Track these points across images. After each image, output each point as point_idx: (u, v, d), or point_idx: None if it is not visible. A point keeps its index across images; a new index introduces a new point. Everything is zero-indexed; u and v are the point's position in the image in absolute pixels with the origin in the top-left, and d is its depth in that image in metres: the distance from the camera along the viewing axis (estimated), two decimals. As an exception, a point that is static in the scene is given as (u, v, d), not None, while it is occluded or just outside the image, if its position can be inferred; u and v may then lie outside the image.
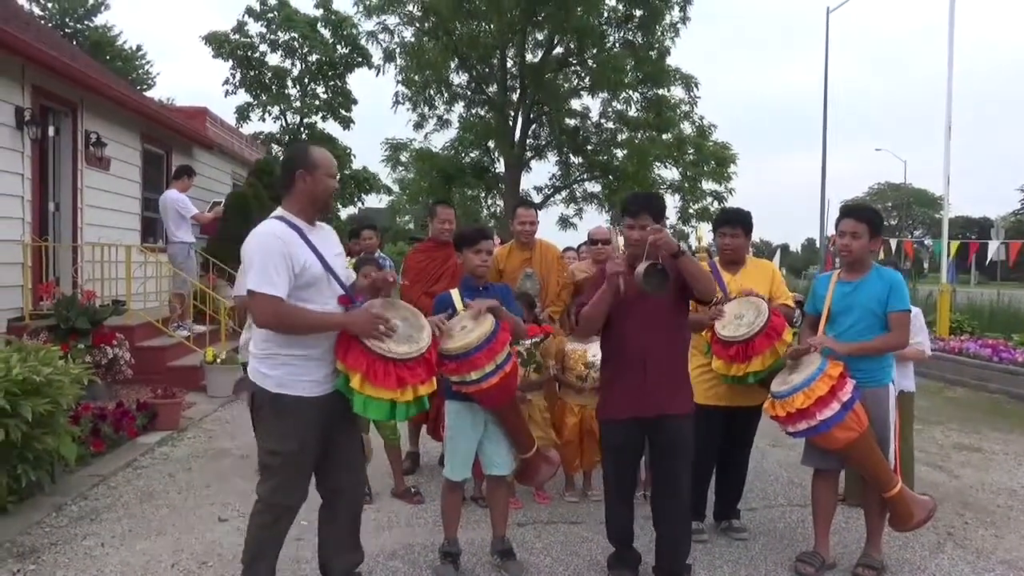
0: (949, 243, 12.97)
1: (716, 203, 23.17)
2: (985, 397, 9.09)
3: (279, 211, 3.01)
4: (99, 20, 33.34)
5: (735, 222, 4.17)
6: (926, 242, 17.29)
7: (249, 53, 22.28)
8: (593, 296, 3.48)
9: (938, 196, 16.42)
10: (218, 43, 21.79)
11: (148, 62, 35.86)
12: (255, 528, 3.07)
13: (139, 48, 35.36)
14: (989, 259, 14.78)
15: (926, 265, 28.02)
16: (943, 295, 11.97)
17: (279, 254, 2.83)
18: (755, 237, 4.62)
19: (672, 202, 23.59)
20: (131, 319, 8.36)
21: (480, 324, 3.39)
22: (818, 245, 28.52)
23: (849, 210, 3.81)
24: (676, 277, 3.32)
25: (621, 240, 3.34)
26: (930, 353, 5.38)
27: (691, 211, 23.49)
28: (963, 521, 4.61)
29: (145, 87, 32.26)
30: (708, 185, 23.27)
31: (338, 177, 3.03)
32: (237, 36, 22.08)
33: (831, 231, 26.92)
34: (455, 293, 3.71)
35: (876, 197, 70.02)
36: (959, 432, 7.19)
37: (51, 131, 9.19)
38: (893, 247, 17.40)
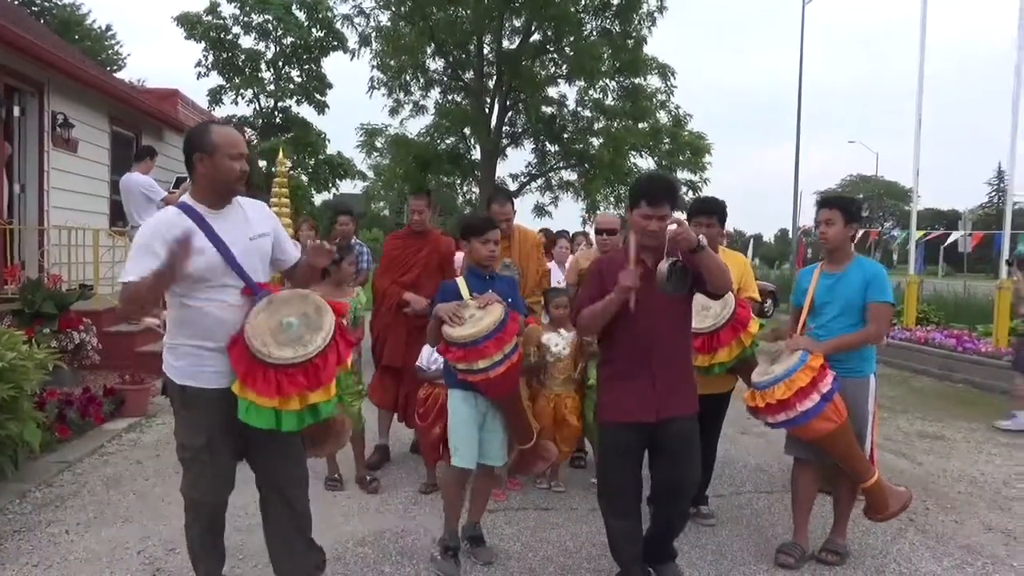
0: (914, 234, 13.15)
1: (691, 193, 23.28)
2: (949, 387, 9.28)
3: (184, 196, 2.84)
4: (67, -1, 32.60)
5: (710, 211, 4.14)
6: (894, 233, 17.52)
7: (222, 35, 21.92)
8: (592, 291, 3.29)
9: (908, 188, 16.67)
10: (190, 24, 21.41)
11: (118, 42, 35.17)
12: (185, 527, 3.01)
13: (108, 28, 34.66)
14: (947, 245, 15.05)
15: (895, 257, 28.48)
16: (911, 286, 12.17)
17: (154, 241, 2.62)
18: (728, 227, 4.66)
19: (648, 191, 23.62)
20: (99, 304, 8.24)
21: (489, 312, 3.36)
22: (791, 236, 28.83)
23: (822, 200, 3.90)
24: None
25: (633, 248, 3.11)
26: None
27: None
28: (924, 507, 4.71)
29: (115, 68, 31.62)
30: (683, 175, 23.35)
31: (247, 157, 2.77)
32: (210, 17, 21.69)
33: (804, 222, 27.20)
34: (461, 282, 3.66)
35: (848, 189, 70.82)
36: (923, 420, 7.33)
37: (16, 111, 8.99)
38: (859, 238, 17.63)
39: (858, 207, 3.93)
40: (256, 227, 2.84)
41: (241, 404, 2.62)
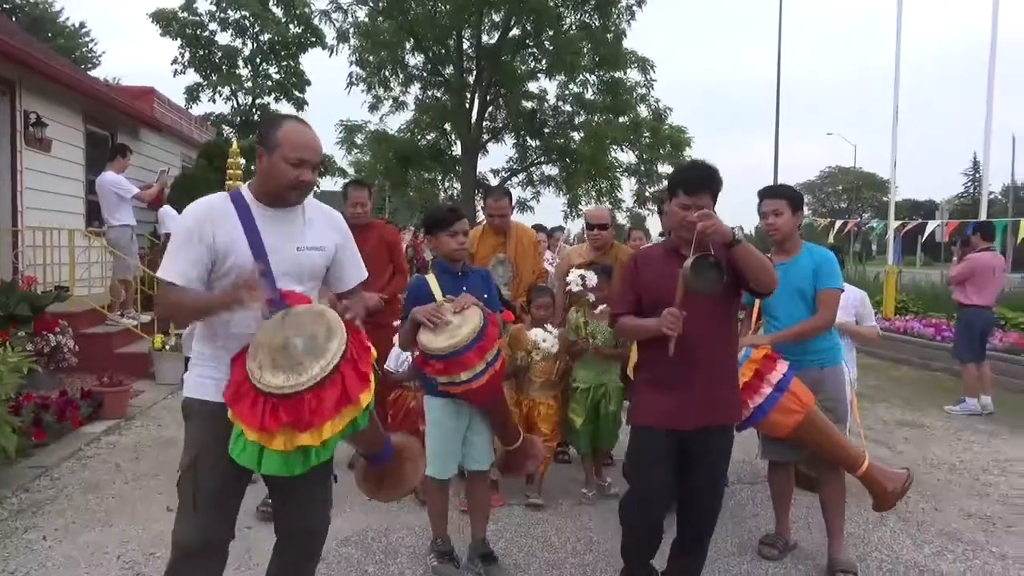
0: (892, 224, 13.30)
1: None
2: (928, 375, 9.38)
3: (243, 186, 2.52)
4: (39, -4, 32.11)
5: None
6: (873, 223, 17.71)
7: (198, 32, 21.71)
8: (626, 292, 3.11)
9: (886, 180, 16.82)
10: (166, 21, 21.19)
11: (92, 40, 34.76)
12: None
13: (82, 25, 34.25)
14: (926, 237, 15.21)
15: (874, 248, 28.75)
16: (889, 276, 12.30)
17: (190, 232, 2.36)
18: None
19: (629, 185, 23.75)
20: (75, 305, 8.13)
21: (467, 320, 3.14)
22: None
23: (766, 191, 3.75)
24: (729, 269, 2.83)
25: (654, 232, 2.96)
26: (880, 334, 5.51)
27: (648, 194, 23.65)
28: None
29: (90, 66, 31.22)
30: (664, 168, 23.40)
31: (315, 167, 2.43)
32: (185, 14, 21.49)
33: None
34: (432, 280, 3.41)
35: (827, 180, 71.41)
36: (902, 409, 7.41)
37: (-13, 111, 8.83)
38: (836, 228, 17.77)
39: (801, 196, 3.79)
40: (311, 238, 2.50)
41: (234, 430, 2.20)
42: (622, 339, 4.15)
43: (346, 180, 24.98)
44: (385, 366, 4.24)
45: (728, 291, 2.89)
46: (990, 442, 6.22)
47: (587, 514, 4.33)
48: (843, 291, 3.70)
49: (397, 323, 3.99)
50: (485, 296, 3.40)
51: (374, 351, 2.31)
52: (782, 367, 3.34)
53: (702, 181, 2.91)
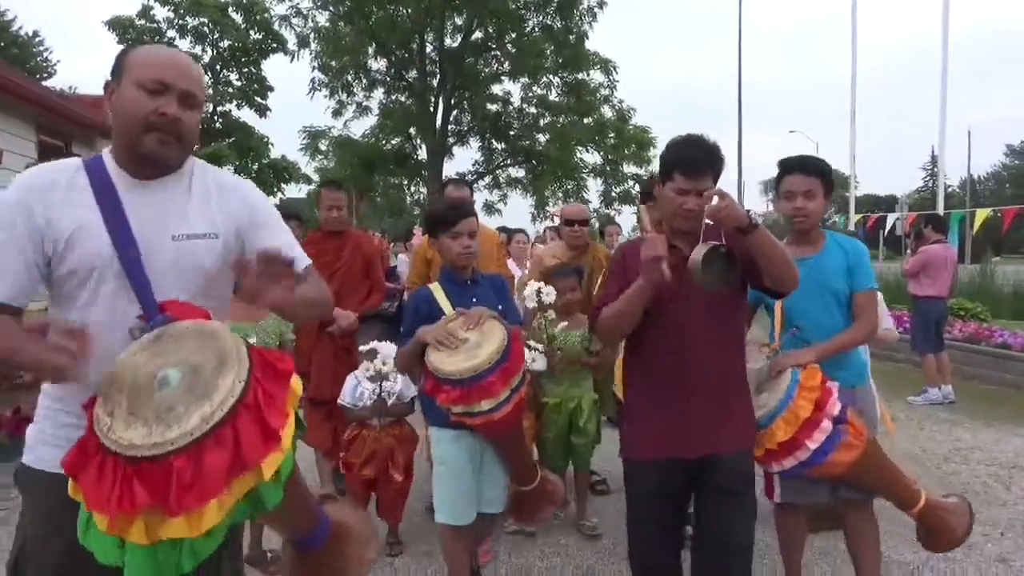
0: (853, 218, 13.51)
1: (638, 186, 23.52)
2: (891, 366, 9.51)
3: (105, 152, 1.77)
4: (-9, 5, 31.39)
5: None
6: (835, 218, 17.96)
7: (156, 39, 21.35)
8: (614, 286, 2.50)
9: (848, 176, 17.12)
10: (122, 28, 20.79)
11: (47, 49, 34.03)
12: None
13: (36, 34, 33.50)
14: (888, 230, 15.49)
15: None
16: (852, 270, 12.47)
17: (10, 216, 1.62)
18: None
19: (595, 186, 23.83)
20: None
21: (488, 337, 2.60)
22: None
23: (796, 163, 2.90)
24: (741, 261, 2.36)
25: (645, 217, 2.44)
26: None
27: (614, 194, 23.78)
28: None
29: (44, 76, 30.57)
30: (630, 168, 23.57)
31: (186, 97, 1.68)
32: (143, 21, 21.13)
33: (751, 209, 27.74)
34: (437, 289, 2.89)
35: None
36: (867, 401, 7.50)
37: (-67, 122, 8.57)
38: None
39: (832, 172, 3.04)
40: (195, 221, 1.74)
41: (81, 511, 1.49)
42: (601, 345, 3.79)
43: (311, 186, 24.77)
44: (340, 400, 3.79)
45: (736, 293, 2.45)
46: (951, 431, 6.32)
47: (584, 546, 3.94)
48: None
49: (364, 347, 3.68)
50: (500, 307, 2.86)
51: (298, 386, 1.60)
52: (835, 392, 2.64)
53: (704, 160, 2.37)
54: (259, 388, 1.49)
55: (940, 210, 11.24)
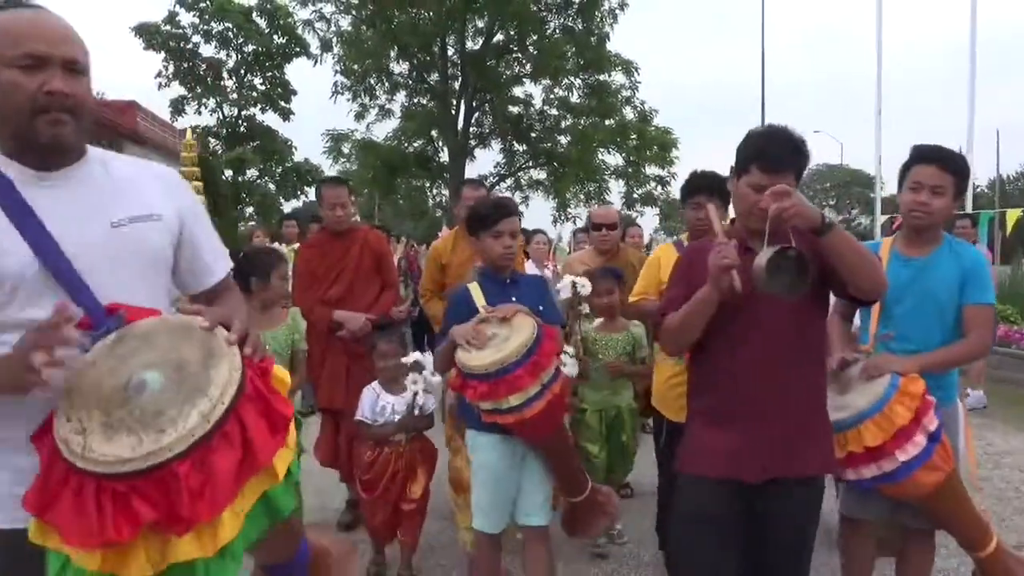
0: (879, 219, 13.34)
1: (660, 188, 23.44)
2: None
3: None
4: (21, 12, 31.99)
5: (708, 190, 3.22)
6: (861, 219, 17.73)
7: (182, 44, 21.68)
8: (679, 291, 2.28)
9: (873, 176, 16.93)
10: (149, 34, 21.17)
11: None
12: None
13: (65, 41, 34.13)
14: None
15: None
16: (878, 272, 12.30)
17: None
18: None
19: (617, 187, 23.76)
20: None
21: (517, 329, 2.55)
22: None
23: (935, 155, 2.58)
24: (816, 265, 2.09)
25: (715, 218, 2.22)
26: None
27: (636, 196, 23.71)
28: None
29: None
30: (651, 170, 23.50)
31: (68, 64, 1.45)
32: (169, 27, 21.47)
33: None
34: (475, 288, 2.80)
35: (815, 178, 71.72)
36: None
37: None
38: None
39: (969, 172, 2.70)
40: (133, 203, 1.56)
41: (51, 561, 1.29)
42: (647, 352, 3.63)
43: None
44: (359, 416, 3.42)
45: (815, 300, 2.19)
46: (982, 435, 6.20)
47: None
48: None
49: (408, 359, 3.46)
50: (540, 308, 2.78)
51: (285, 376, 1.48)
52: (933, 408, 2.42)
53: (785, 154, 2.11)
54: (255, 376, 1.36)
55: (969, 210, 11.05)
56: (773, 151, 2.11)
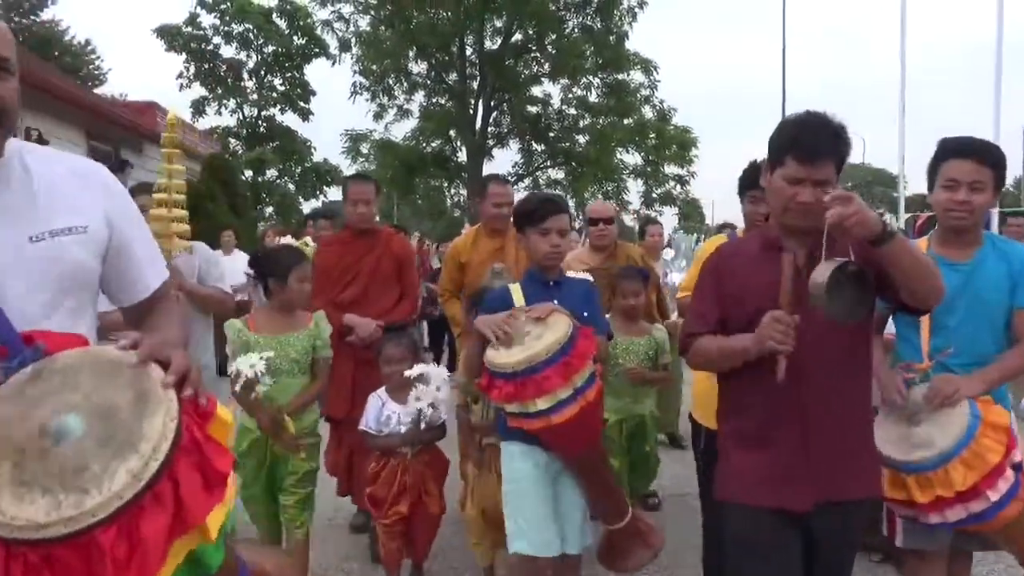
0: (903, 217, 13.20)
1: (679, 187, 23.31)
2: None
3: None
4: (46, 15, 32.41)
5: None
6: (885, 218, 17.54)
7: (203, 46, 21.86)
8: (706, 303, 2.12)
9: (896, 175, 16.76)
10: (170, 36, 21.36)
11: (98, 57, 34.97)
12: None
13: (87, 43, 34.48)
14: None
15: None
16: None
17: None
18: (720, 219, 4.26)
19: (636, 187, 23.65)
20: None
21: (551, 327, 2.35)
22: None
23: (969, 147, 2.35)
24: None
25: (787, 275, 1.94)
26: None
27: (655, 195, 23.59)
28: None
29: (96, 83, 31.45)
30: (671, 169, 23.37)
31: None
32: (189, 29, 21.65)
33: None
34: (516, 290, 2.61)
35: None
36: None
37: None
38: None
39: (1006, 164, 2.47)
40: (56, 214, 1.38)
41: None
42: (670, 359, 3.46)
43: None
44: (363, 426, 3.23)
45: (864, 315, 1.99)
46: None
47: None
48: None
49: (412, 372, 3.18)
50: (585, 314, 2.55)
51: (228, 417, 1.29)
52: (1017, 440, 2.21)
53: (823, 142, 1.91)
54: (193, 424, 1.18)
55: (995, 209, 10.88)
56: (809, 139, 1.90)
